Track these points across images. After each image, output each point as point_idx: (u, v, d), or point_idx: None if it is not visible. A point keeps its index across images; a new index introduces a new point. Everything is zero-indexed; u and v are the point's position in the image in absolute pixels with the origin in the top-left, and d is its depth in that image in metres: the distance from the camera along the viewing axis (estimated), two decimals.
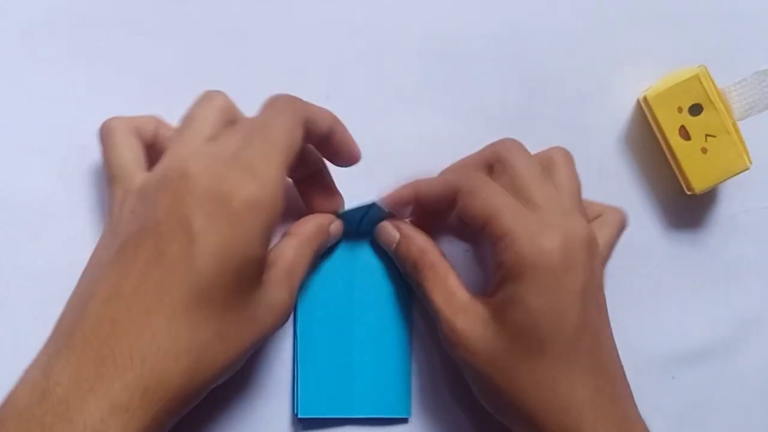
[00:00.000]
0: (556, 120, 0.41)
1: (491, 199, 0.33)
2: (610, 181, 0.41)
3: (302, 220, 0.36)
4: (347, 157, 0.36)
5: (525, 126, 0.40)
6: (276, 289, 0.32)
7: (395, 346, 0.38)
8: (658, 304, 0.41)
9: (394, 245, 0.37)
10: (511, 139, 0.36)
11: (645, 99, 0.39)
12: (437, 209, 0.37)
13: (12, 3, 0.38)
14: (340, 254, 0.38)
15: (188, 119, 0.33)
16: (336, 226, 0.37)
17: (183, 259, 0.29)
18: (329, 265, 0.38)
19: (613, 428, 0.32)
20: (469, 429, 0.39)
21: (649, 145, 0.41)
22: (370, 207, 0.36)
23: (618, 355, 0.34)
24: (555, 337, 0.32)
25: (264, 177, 0.30)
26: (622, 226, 0.37)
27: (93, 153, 0.38)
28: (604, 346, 0.33)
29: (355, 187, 0.37)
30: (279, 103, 0.33)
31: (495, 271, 0.33)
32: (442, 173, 0.38)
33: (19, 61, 0.38)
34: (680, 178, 0.40)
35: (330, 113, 0.34)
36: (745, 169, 0.39)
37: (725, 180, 0.39)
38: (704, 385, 0.41)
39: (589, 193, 0.41)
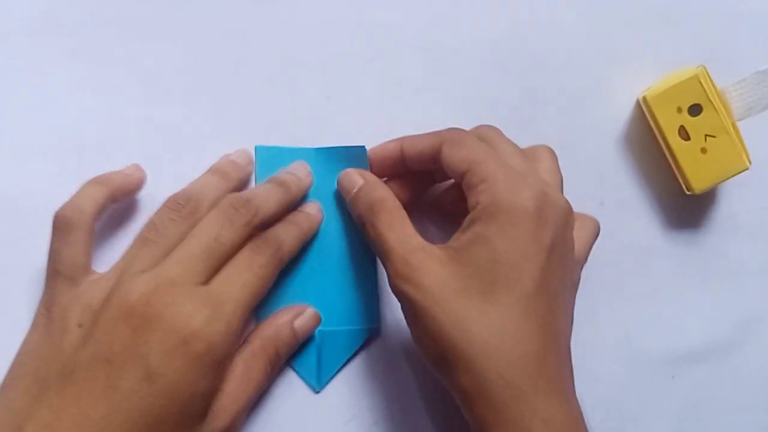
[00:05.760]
0: (556, 120, 0.41)
1: (475, 148, 0.33)
2: (610, 181, 0.41)
3: (262, 325, 0.36)
4: None
5: (525, 126, 0.40)
6: (218, 420, 0.32)
7: (361, 267, 0.38)
8: (658, 304, 0.41)
9: (355, 190, 0.36)
10: (491, 126, 0.36)
11: (644, 99, 0.39)
12: (420, 168, 0.37)
13: (13, 3, 0.38)
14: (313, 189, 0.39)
15: (152, 229, 0.33)
16: (305, 318, 0.37)
17: (134, 395, 0.29)
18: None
19: (554, 392, 0.31)
20: None
21: (648, 145, 0.41)
22: (357, 149, 0.37)
23: (568, 333, 0.33)
24: (513, 284, 0.31)
25: (230, 316, 0.31)
26: (596, 233, 0.37)
27: (93, 153, 0.38)
28: (559, 311, 0.32)
29: None
30: (260, 244, 0.34)
31: (467, 216, 0.33)
32: None
33: (19, 61, 0.38)
34: (680, 178, 0.40)
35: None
36: (745, 169, 0.39)
37: (725, 180, 0.39)
38: (704, 385, 0.41)
39: (589, 193, 0.41)
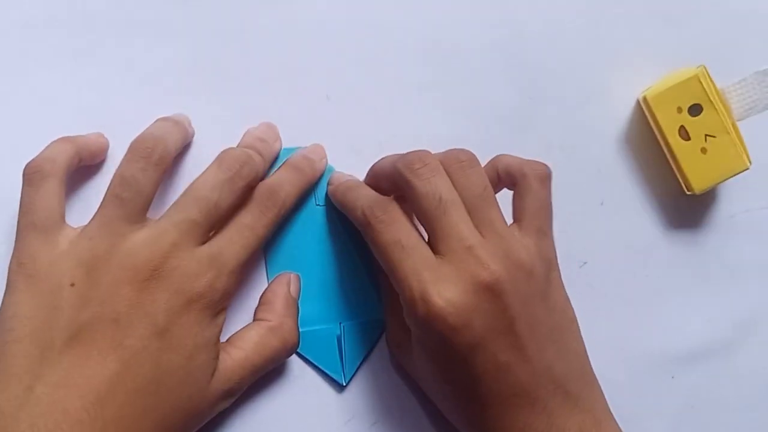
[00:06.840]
0: (556, 120, 0.41)
1: (388, 247, 0.32)
2: (610, 181, 0.41)
3: (270, 300, 0.36)
4: None
5: (525, 126, 0.40)
6: (220, 381, 0.33)
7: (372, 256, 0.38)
8: (658, 304, 0.41)
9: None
10: (414, 155, 0.33)
11: (645, 99, 0.39)
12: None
13: (12, 2, 0.38)
14: (308, 219, 0.38)
15: (124, 184, 0.32)
16: (294, 283, 0.37)
17: (143, 351, 0.30)
18: (296, 233, 0.38)
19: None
20: None
21: (648, 145, 0.41)
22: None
23: (548, 368, 0.32)
24: (452, 383, 0.32)
25: (230, 275, 0.32)
26: (544, 183, 0.34)
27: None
28: (511, 373, 0.31)
29: None
30: (266, 203, 0.34)
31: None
32: (367, 177, 0.38)
33: (19, 61, 0.38)
34: (680, 178, 0.40)
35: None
36: (745, 169, 0.39)
37: (725, 180, 0.39)
38: (704, 385, 0.41)
39: (589, 193, 0.41)
